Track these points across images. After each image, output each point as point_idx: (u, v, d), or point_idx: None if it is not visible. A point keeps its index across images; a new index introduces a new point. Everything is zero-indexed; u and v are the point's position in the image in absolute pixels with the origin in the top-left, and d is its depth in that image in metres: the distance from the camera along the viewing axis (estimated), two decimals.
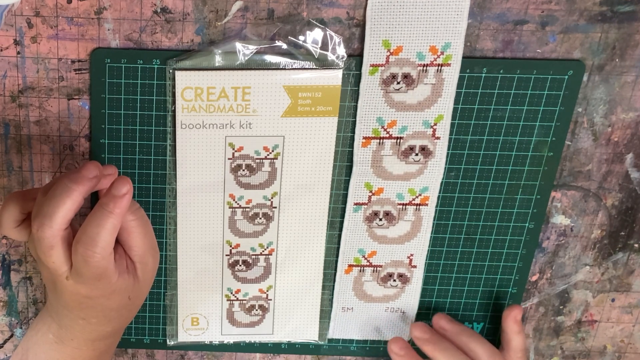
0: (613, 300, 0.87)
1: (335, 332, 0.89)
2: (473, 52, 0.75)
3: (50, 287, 0.73)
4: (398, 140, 0.79)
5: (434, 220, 0.83)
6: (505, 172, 0.80)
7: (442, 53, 0.75)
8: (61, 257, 0.69)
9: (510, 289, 0.86)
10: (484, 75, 0.76)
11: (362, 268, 0.86)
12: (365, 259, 0.85)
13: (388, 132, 0.78)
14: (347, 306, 0.88)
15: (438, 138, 0.78)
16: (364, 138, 0.79)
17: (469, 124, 0.78)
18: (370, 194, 0.81)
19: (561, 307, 0.87)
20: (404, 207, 0.82)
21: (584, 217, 0.83)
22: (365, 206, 0.82)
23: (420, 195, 0.81)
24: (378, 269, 0.86)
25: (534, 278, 0.86)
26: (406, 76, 0.76)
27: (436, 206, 0.82)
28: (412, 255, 0.85)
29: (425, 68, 0.75)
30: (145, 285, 0.76)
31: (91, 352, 0.77)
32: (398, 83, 0.76)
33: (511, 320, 0.81)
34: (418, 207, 0.82)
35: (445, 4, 0.73)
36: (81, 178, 0.67)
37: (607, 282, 0.86)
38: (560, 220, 0.83)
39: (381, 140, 0.79)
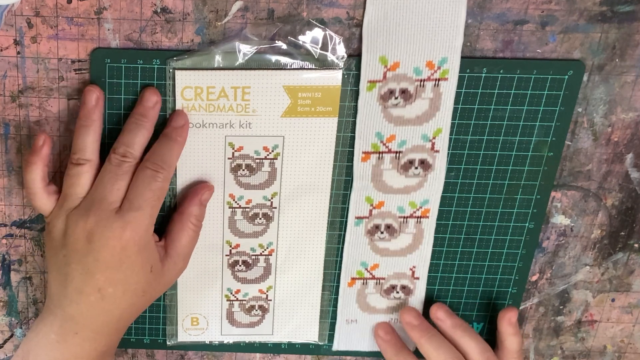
0: (613, 300, 0.87)
1: (340, 344, 0.90)
2: (473, 52, 0.75)
3: (79, 250, 0.74)
4: (397, 154, 0.79)
5: (435, 231, 0.83)
6: (505, 172, 0.80)
7: (439, 68, 0.75)
8: (125, 186, 0.74)
9: (510, 289, 0.86)
10: (484, 75, 0.76)
11: (365, 281, 0.86)
12: (368, 271, 0.85)
13: (387, 147, 0.79)
14: (351, 318, 0.88)
15: (437, 151, 0.79)
16: (364, 153, 0.79)
17: (469, 124, 0.78)
18: (371, 207, 0.82)
19: (561, 307, 0.87)
20: (405, 219, 0.82)
21: (584, 217, 0.83)
22: (367, 220, 0.82)
23: (420, 208, 0.82)
24: (381, 281, 0.86)
25: (534, 278, 0.86)
26: (404, 91, 0.76)
27: (437, 218, 0.82)
28: (414, 267, 0.85)
29: (422, 83, 0.76)
30: (164, 280, 0.78)
31: (93, 351, 0.76)
32: (396, 98, 0.76)
33: (506, 322, 0.82)
34: (419, 219, 0.82)
35: (441, 20, 0.73)
36: (146, 110, 0.75)
37: (607, 282, 0.86)
38: (560, 220, 0.83)
39: (380, 155, 0.79)
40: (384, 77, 0.76)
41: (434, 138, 0.78)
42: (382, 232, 0.83)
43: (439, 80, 0.76)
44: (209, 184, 0.79)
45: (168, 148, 0.75)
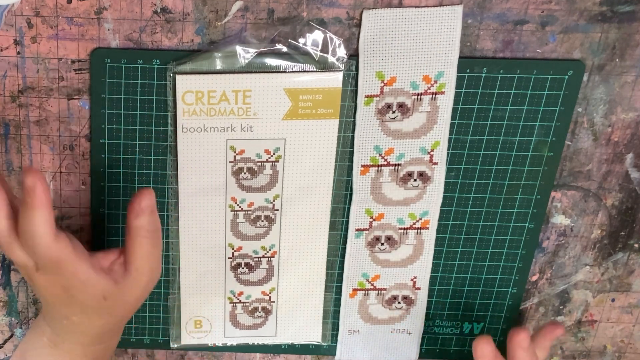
0: (613, 300, 0.87)
1: (343, 354, 0.90)
2: (473, 52, 0.75)
3: (31, 285, 0.74)
4: (396, 167, 0.79)
5: (435, 241, 0.84)
6: (505, 172, 0.80)
7: (435, 82, 0.75)
8: (22, 253, 0.69)
9: (510, 289, 0.86)
10: (484, 75, 0.76)
11: (366, 292, 0.86)
12: (369, 282, 0.85)
13: (386, 160, 0.79)
14: (354, 329, 0.88)
15: (435, 164, 0.79)
16: (362, 166, 0.79)
17: (469, 124, 0.78)
18: (371, 219, 0.82)
19: (561, 307, 0.87)
20: (405, 231, 0.83)
21: (584, 217, 0.83)
22: (367, 232, 0.83)
23: (420, 219, 0.82)
24: (382, 292, 0.86)
25: (534, 278, 0.86)
26: (401, 105, 0.77)
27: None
28: (415, 277, 0.85)
29: (419, 97, 0.76)
30: (132, 296, 0.75)
31: (84, 357, 0.77)
32: (393, 112, 0.77)
33: (517, 346, 0.76)
34: (419, 230, 0.82)
35: (437, 35, 0.74)
36: None
37: (607, 282, 0.86)
38: (560, 220, 0.83)
39: (379, 168, 0.79)
40: (381, 91, 0.76)
41: (432, 151, 0.79)
42: (382, 244, 0.83)
43: (435, 94, 0.76)
44: (146, 189, 0.72)
45: (29, 220, 0.67)
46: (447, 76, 0.75)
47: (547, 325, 0.80)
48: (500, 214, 0.82)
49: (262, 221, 0.82)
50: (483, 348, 0.76)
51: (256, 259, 0.84)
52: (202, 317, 0.87)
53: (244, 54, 0.74)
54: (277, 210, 0.81)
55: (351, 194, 0.81)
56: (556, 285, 0.86)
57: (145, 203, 0.71)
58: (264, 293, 0.86)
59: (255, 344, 0.89)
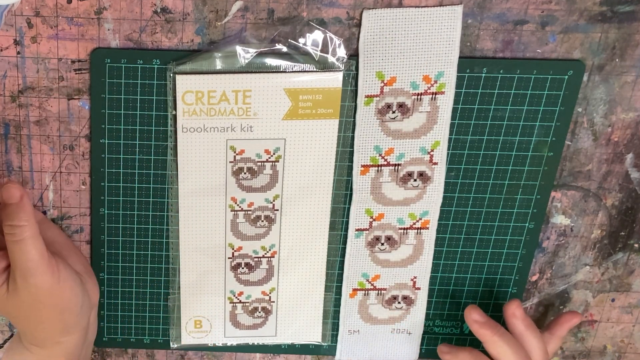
0: (613, 300, 0.87)
1: (343, 354, 0.90)
2: (473, 52, 0.75)
3: None
4: (396, 167, 0.79)
5: (435, 241, 0.84)
6: (505, 172, 0.80)
7: (435, 82, 0.75)
8: None
9: (510, 289, 0.86)
10: (484, 75, 0.76)
11: (366, 292, 0.86)
12: (369, 282, 0.85)
13: (386, 160, 0.79)
14: (354, 329, 0.88)
15: (435, 164, 0.79)
16: (363, 166, 0.79)
17: (469, 124, 0.78)
18: (371, 219, 0.82)
19: (561, 307, 0.87)
20: (405, 231, 0.83)
21: (584, 217, 0.83)
22: (367, 232, 0.83)
23: (420, 219, 0.82)
24: (382, 292, 0.86)
25: (534, 278, 0.86)
26: (401, 105, 0.77)
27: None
28: (415, 277, 0.85)
29: (419, 97, 0.76)
30: (24, 300, 0.73)
31: (26, 353, 0.78)
32: (393, 112, 0.77)
33: (513, 318, 0.78)
34: (419, 230, 0.82)
35: (437, 35, 0.74)
36: None
37: (607, 282, 0.86)
38: (560, 220, 0.83)
39: (379, 168, 0.79)
40: (381, 91, 0.76)
41: (432, 151, 0.79)
42: (382, 244, 0.83)
43: (435, 94, 0.76)
44: (10, 183, 0.71)
45: None
46: (447, 76, 0.75)
47: (565, 313, 0.82)
48: (500, 214, 0.82)
49: (262, 221, 0.82)
50: (471, 314, 0.79)
51: (256, 259, 0.84)
52: (202, 317, 0.87)
53: (244, 54, 0.74)
54: (277, 210, 0.81)
55: (351, 194, 0.81)
56: (556, 285, 0.86)
57: (6, 194, 0.71)
58: (264, 293, 0.86)
59: (255, 344, 0.89)
